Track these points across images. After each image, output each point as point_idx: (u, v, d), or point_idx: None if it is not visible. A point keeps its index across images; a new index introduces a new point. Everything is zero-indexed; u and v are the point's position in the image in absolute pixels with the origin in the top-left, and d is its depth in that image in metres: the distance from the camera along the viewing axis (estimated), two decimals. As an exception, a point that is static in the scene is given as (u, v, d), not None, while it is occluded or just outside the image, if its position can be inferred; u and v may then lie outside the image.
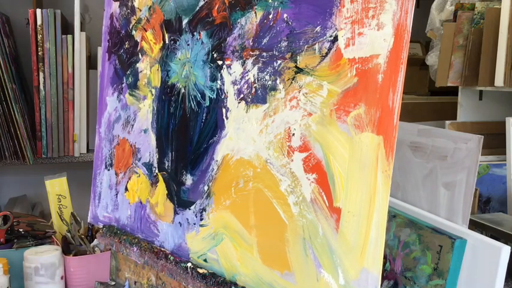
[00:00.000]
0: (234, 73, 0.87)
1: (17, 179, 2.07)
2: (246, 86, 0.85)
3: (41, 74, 1.68)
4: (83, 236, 1.43)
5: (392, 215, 0.92)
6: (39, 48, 1.67)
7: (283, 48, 0.79)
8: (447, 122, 1.54)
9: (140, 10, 1.06)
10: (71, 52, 1.71)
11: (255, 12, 0.84)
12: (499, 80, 1.33)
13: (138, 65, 1.07)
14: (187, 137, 0.95)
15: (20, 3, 1.94)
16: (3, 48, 1.63)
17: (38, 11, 1.66)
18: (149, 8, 1.04)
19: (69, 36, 1.70)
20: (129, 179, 1.09)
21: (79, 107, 1.75)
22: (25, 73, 1.91)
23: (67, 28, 1.82)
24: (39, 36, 1.67)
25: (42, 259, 1.30)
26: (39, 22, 1.66)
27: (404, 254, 0.88)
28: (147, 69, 1.05)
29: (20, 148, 1.64)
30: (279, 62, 0.80)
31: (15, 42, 1.90)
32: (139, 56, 1.07)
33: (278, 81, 0.80)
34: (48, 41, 1.67)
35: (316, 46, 0.75)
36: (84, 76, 1.75)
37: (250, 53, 0.84)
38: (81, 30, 1.75)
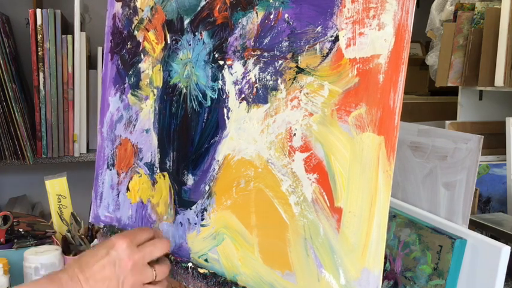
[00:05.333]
0: (235, 73, 0.87)
1: (17, 179, 2.07)
2: (247, 86, 0.85)
3: (41, 74, 1.68)
4: (83, 236, 1.44)
5: (393, 215, 0.92)
6: (39, 48, 1.67)
7: (284, 48, 0.79)
8: (447, 122, 1.55)
9: (142, 10, 1.06)
10: (71, 52, 1.71)
11: (256, 12, 0.84)
12: (499, 80, 1.33)
13: (140, 65, 1.07)
14: (188, 137, 0.95)
15: (20, 3, 1.94)
16: (3, 48, 1.63)
17: (38, 11, 1.66)
18: (151, 8, 1.04)
19: (69, 36, 1.70)
20: (131, 179, 1.09)
21: (79, 107, 1.75)
22: (25, 73, 1.91)
23: (67, 28, 1.82)
24: (39, 36, 1.67)
25: (42, 259, 1.30)
26: (39, 22, 1.66)
27: (404, 254, 0.88)
28: (149, 69, 1.05)
29: (20, 148, 1.64)
30: (280, 62, 0.80)
31: (15, 42, 1.90)
32: (142, 56, 1.07)
33: (279, 81, 0.80)
34: (48, 41, 1.67)
35: (317, 46, 0.75)
36: (84, 76, 1.75)
37: (252, 53, 0.84)
38: (81, 30, 1.75)
